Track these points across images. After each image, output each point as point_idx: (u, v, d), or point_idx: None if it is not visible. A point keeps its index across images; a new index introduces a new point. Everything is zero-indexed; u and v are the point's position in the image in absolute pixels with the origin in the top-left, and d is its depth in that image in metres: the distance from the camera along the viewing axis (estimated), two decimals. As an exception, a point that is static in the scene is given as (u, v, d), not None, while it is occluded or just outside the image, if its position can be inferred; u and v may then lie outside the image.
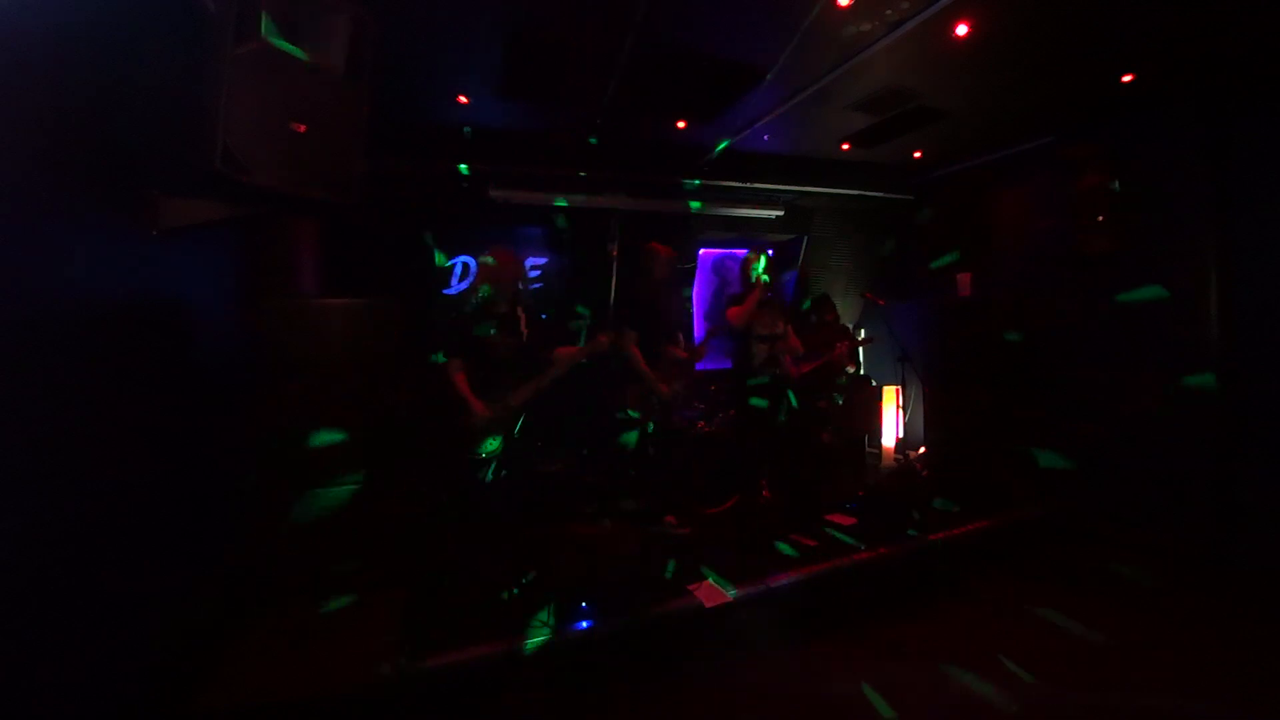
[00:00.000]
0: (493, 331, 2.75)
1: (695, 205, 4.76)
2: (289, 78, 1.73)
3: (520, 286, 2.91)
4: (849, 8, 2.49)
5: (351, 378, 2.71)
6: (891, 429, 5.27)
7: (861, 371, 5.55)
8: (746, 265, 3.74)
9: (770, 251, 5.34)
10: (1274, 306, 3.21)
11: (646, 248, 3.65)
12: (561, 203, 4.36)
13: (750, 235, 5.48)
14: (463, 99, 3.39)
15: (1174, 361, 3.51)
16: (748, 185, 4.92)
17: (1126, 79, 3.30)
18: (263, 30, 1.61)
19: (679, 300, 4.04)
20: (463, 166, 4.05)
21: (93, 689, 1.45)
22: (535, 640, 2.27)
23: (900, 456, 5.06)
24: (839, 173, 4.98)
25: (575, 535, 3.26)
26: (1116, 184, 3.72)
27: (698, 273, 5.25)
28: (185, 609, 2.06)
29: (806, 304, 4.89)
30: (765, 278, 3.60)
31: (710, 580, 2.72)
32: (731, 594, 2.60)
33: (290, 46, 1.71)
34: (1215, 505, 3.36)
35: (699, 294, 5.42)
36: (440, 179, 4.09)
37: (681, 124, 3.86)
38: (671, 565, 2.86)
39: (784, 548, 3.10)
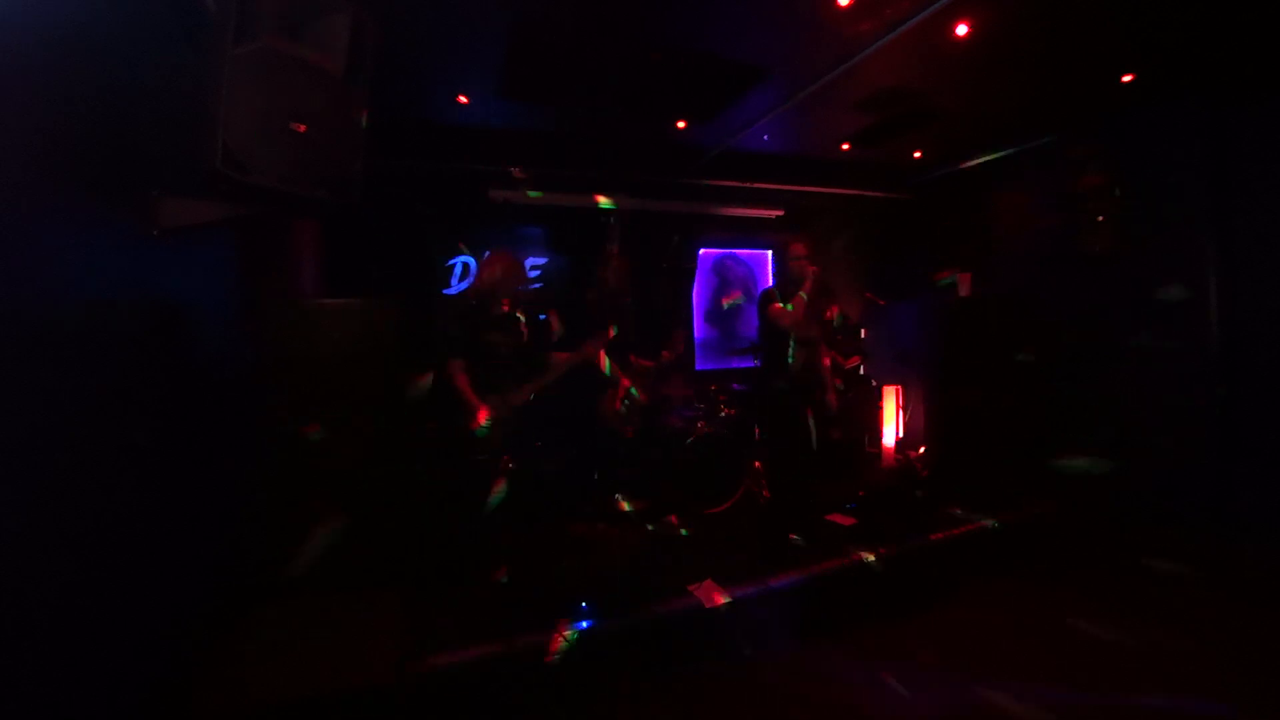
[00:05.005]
0: (493, 332, 2.76)
1: (694, 205, 4.74)
2: (289, 78, 1.73)
3: (520, 288, 2.91)
4: (849, 8, 2.49)
5: (351, 378, 2.71)
6: (891, 429, 5.26)
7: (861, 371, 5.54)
8: (791, 256, 3.33)
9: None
10: (1274, 306, 3.20)
11: (606, 253, 3.56)
12: (561, 203, 4.35)
13: (750, 235, 5.48)
14: (462, 99, 3.39)
15: (1174, 361, 3.51)
16: (748, 185, 4.92)
17: (1126, 78, 3.31)
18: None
19: (629, 312, 3.71)
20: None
21: (92, 689, 1.45)
22: (535, 640, 2.27)
23: (900, 456, 5.05)
24: (839, 173, 4.97)
25: (575, 535, 3.26)
26: (1117, 190, 3.71)
27: (698, 273, 5.24)
28: (186, 609, 2.05)
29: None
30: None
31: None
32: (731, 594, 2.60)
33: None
34: (1215, 505, 3.36)
35: (699, 294, 5.41)
36: (440, 179, 4.09)
37: (681, 124, 3.86)
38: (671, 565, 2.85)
39: (783, 548, 3.09)
